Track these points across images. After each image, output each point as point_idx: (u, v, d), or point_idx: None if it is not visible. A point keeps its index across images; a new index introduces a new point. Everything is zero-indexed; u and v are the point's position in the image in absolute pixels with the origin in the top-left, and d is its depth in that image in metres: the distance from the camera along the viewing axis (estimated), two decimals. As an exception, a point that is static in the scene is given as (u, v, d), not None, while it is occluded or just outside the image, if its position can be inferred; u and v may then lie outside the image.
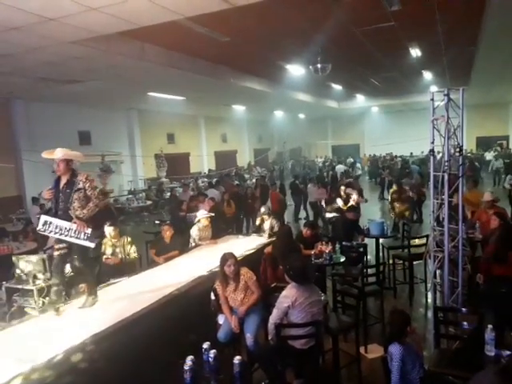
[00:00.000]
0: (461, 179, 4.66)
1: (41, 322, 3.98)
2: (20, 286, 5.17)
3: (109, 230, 6.02)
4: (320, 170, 23.25)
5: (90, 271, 4.68)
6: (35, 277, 5.14)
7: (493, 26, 8.61)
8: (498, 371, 2.43)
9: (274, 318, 3.84)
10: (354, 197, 8.88)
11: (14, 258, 5.43)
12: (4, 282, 5.39)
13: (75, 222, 4.13)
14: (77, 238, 4.16)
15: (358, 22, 8.78)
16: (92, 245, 4.26)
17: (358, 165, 25.51)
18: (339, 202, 9.07)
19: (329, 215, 9.42)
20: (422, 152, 23.53)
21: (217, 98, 16.82)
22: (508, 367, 2.52)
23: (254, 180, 18.56)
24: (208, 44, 9.32)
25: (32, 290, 5.03)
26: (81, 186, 4.26)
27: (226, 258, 4.36)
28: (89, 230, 4.17)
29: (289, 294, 3.82)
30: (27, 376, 2.95)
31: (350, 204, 8.27)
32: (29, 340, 3.57)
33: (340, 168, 21.21)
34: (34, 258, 5.32)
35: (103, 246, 6.13)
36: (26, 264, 5.24)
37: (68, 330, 3.68)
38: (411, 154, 24.84)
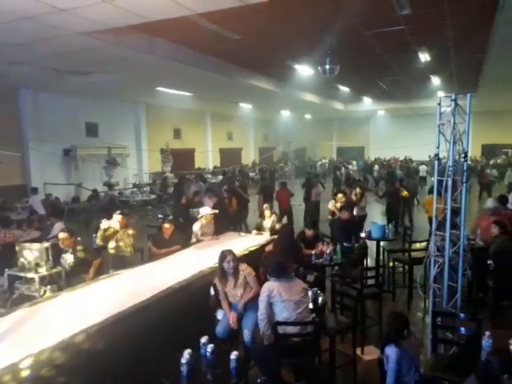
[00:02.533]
0: (464, 185, 4.66)
1: (41, 310, 4.01)
2: (22, 274, 5.24)
3: (116, 217, 5.99)
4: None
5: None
6: (38, 265, 5.21)
7: (503, 33, 8.59)
8: (477, 375, 2.58)
9: (260, 310, 3.94)
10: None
11: (17, 247, 5.50)
12: (7, 270, 5.45)
13: None
14: None
15: (368, 25, 8.78)
16: None
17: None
18: (330, 204, 9.12)
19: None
20: (429, 156, 23.48)
21: (224, 95, 16.85)
22: (484, 369, 2.68)
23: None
24: (218, 41, 9.34)
25: (34, 278, 5.10)
26: None
27: (225, 254, 4.40)
28: None
29: (266, 286, 3.99)
30: (22, 364, 2.97)
31: (340, 204, 8.29)
32: (27, 327, 3.60)
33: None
34: (37, 246, 5.38)
35: (100, 232, 6.09)
36: (29, 252, 5.31)
37: (67, 319, 3.71)
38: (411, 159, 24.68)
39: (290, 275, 4.17)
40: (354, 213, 8.67)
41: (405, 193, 10.76)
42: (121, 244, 5.92)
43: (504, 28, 8.13)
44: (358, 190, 9.65)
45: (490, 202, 7.99)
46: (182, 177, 15.07)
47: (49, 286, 5.05)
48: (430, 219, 9.45)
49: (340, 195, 8.95)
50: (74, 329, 3.44)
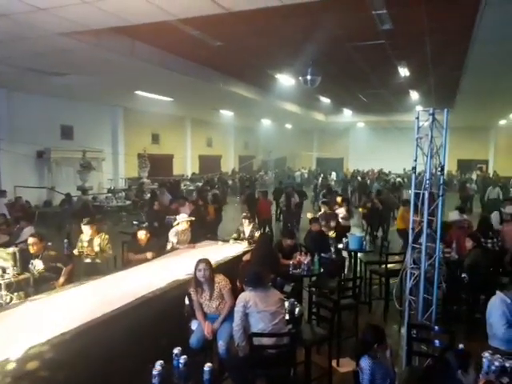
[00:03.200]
0: (440, 198, 4.72)
1: (5, 318, 3.83)
2: (-13, 280, 4.99)
3: (85, 228, 5.90)
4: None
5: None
6: (4, 271, 4.98)
7: (478, 52, 8.86)
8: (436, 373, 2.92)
9: (235, 321, 3.90)
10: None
11: (-18, 251, 5.26)
12: (-29, 275, 5.20)
13: None
14: None
15: (350, 37, 8.91)
16: None
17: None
18: (308, 215, 9.20)
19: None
20: (404, 169, 23.94)
21: (205, 101, 16.78)
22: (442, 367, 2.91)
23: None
24: (199, 47, 9.31)
25: (0, 284, 4.88)
26: None
27: (198, 262, 4.32)
28: None
29: (241, 296, 3.97)
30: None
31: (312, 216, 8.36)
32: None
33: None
34: (4, 251, 5.16)
35: (79, 244, 6.01)
36: (-5, 257, 5.08)
37: (34, 328, 3.55)
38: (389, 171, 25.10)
39: (266, 285, 4.13)
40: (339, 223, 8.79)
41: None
42: (93, 247, 5.80)
43: (479, 47, 8.37)
44: (338, 199, 9.64)
45: (451, 215, 8.16)
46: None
47: (15, 293, 4.84)
48: (399, 231, 9.62)
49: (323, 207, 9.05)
50: (40, 338, 3.29)
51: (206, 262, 4.34)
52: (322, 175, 22.98)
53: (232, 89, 13.97)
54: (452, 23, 7.81)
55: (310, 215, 8.82)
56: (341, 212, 9.44)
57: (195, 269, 4.30)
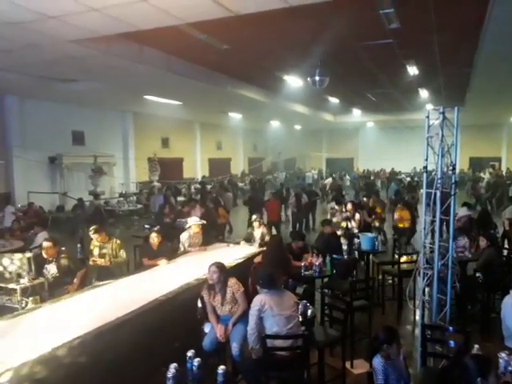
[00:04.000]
0: (453, 197, 4.67)
1: (22, 322, 3.88)
2: (3, 285, 5.08)
3: (93, 237, 5.97)
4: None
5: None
6: (19, 275, 5.06)
7: (488, 50, 8.76)
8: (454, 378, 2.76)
9: (250, 325, 3.89)
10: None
11: (-2, 256, 5.35)
12: (-14, 280, 5.28)
13: None
14: None
15: (358, 37, 8.88)
16: None
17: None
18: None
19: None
20: (414, 168, 23.74)
21: (213, 104, 16.85)
22: (461, 373, 2.75)
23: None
24: (207, 51, 9.34)
25: (15, 289, 4.95)
26: None
27: (210, 265, 4.32)
28: None
29: (257, 299, 3.94)
30: (0, 379, 2.85)
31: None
32: (6, 341, 3.47)
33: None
34: (18, 256, 5.24)
35: (91, 247, 6.07)
36: (11, 262, 5.16)
37: (49, 332, 3.59)
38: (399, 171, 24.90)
39: (279, 287, 4.11)
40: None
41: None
42: (106, 254, 5.83)
43: (489, 45, 8.29)
44: (349, 206, 9.44)
45: (460, 211, 8.14)
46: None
47: (31, 298, 4.90)
48: (395, 228, 9.58)
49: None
50: (55, 342, 3.32)
51: (218, 265, 4.34)
52: (333, 176, 22.77)
53: (240, 91, 14.00)
54: (460, 21, 7.74)
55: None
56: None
57: (208, 272, 4.32)
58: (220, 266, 4.34)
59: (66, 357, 3.25)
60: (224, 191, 13.55)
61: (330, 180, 21.61)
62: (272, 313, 3.82)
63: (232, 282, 4.35)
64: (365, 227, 8.99)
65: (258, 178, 23.64)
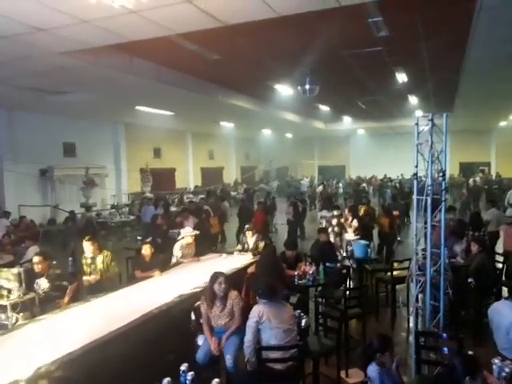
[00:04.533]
0: (443, 203, 4.70)
1: (12, 339, 3.82)
2: (-8, 301, 4.99)
3: (86, 244, 5.86)
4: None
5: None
6: (9, 291, 4.98)
7: (475, 56, 8.87)
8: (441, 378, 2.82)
9: (247, 337, 3.84)
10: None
11: (-14, 271, 5.26)
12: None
13: None
14: None
15: (347, 46, 8.96)
16: None
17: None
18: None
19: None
20: (402, 174, 23.97)
21: (205, 114, 16.87)
22: (448, 373, 2.85)
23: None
24: (197, 61, 9.37)
25: (5, 306, 4.87)
26: None
27: (217, 275, 4.28)
28: None
29: (255, 310, 3.89)
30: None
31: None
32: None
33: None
34: (8, 271, 5.16)
35: (83, 265, 5.94)
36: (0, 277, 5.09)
37: (40, 348, 3.53)
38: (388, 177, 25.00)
39: (279, 299, 4.07)
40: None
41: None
42: (97, 269, 5.75)
43: (475, 51, 8.40)
44: (335, 212, 9.42)
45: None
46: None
47: (21, 314, 4.83)
48: (379, 234, 9.64)
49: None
50: (47, 358, 3.28)
51: (225, 275, 4.32)
52: (324, 183, 22.97)
53: (231, 101, 14.05)
54: (448, 28, 7.84)
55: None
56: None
57: (213, 281, 4.26)
58: (226, 277, 4.31)
59: (57, 373, 3.20)
60: (221, 201, 13.52)
61: (320, 188, 21.72)
62: (270, 325, 3.77)
63: (234, 294, 4.32)
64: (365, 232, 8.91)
65: (249, 187, 23.61)
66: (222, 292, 4.22)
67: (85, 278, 5.72)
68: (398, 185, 20.85)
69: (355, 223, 8.92)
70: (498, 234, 8.99)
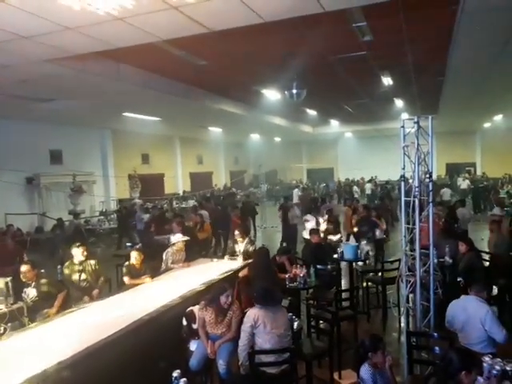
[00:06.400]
0: (431, 204, 4.76)
1: (2, 349, 3.76)
2: (-21, 312, 4.90)
3: (76, 251, 5.79)
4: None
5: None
6: (-3, 301, 4.90)
7: (457, 59, 9.03)
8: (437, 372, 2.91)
9: (241, 340, 3.84)
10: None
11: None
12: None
13: None
14: None
15: (333, 50, 9.05)
16: None
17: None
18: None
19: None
20: (372, 177, 24.45)
21: (192, 119, 16.86)
22: (444, 366, 2.86)
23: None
24: (184, 66, 9.38)
25: (-7, 316, 4.79)
26: None
27: (226, 288, 4.26)
28: None
29: (250, 314, 3.88)
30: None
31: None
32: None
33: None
34: (-4, 281, 5.08)
35: (68, 270, 5.85)
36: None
37: (29, 358, 3.48)
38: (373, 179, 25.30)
39: (276, 303, 4.06)
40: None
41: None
42: (85, 276, 5.70)
43: (458, 53, 8.55)
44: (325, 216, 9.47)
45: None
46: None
47: (9, 324, 4.75)
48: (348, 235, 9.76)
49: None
50: (36, 368, 3.23)
51: (232, 288, 4.30)
52: (303, 186, 23.14)
53: (219, 106, 14.06)
54: (431, 31, 7.98)
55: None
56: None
57: (220, 292, 4.21)
58: (233, 291, 4.30)
59: (47, 382, 3.16)
60: (215, 206, 13.49)
61: (297, 191, 21.76)
62: (265, 330, 3.76)
63: (235, 307, 4.31)
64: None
65: (230, 192, 23.44)
66: (227, 305, 4.20)
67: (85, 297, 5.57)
68: (388, 186, 21.07)
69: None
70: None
